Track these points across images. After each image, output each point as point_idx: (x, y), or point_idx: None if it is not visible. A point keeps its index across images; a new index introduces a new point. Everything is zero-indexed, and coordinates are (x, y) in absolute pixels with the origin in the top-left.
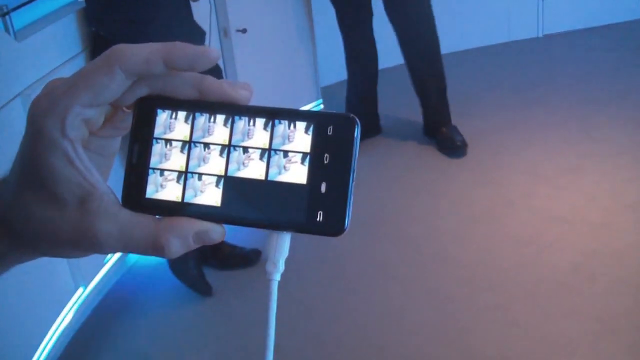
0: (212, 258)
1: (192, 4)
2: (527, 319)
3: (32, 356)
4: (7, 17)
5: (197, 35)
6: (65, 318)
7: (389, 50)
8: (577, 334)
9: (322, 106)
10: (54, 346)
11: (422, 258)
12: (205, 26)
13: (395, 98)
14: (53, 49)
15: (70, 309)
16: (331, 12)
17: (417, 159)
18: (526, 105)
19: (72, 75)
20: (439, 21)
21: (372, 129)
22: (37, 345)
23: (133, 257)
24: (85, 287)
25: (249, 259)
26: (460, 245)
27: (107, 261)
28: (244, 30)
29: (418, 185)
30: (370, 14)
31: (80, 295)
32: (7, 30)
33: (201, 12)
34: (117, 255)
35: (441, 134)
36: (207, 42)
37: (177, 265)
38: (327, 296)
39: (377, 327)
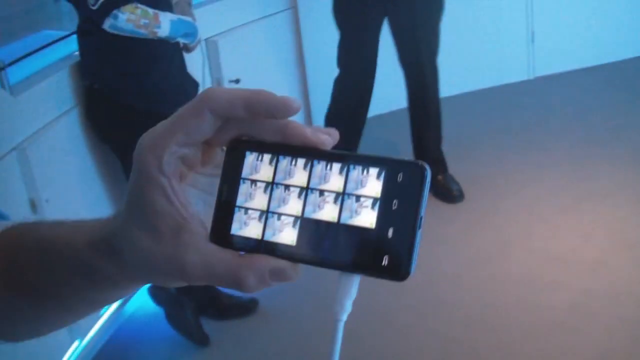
0: (209, 308)
1: (186, 55)
2: (525, 357)
3: None
4: (2, 72)
5: (190, 87)
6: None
7: (382, 96)
8: None
9: None
10: None
11: (421, 302)
12: (198, 77)
13: (389, 141)
14: (47, 103)
15: (80, 343)
16: (324, 60)
17: None
18: (521, 148)
19: (170, 117)
20: None
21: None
22: None
23: (130, 309)
24: (81, 340)
25: (247, 309)
26: (459, 288)
27: (103, 313)
28: (237, 81)
29: None
30: (375, 70)
31: (75, 348)
32: (2, 85)
33: (194, 63)
34: (114, 306)
35: (437, 183)
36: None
37: (174, 316)
38: (322, 343)
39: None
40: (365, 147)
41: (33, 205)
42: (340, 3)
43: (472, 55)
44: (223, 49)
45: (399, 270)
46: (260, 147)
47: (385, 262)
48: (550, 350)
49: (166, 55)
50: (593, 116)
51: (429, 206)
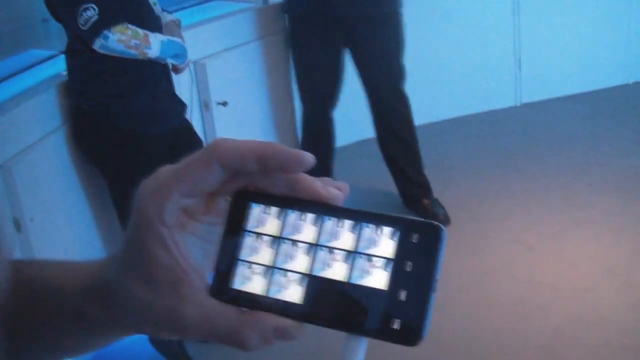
0: None
1: (174, 77)
2: None
3: None
4: None
5: (178, 108)
6: None
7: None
8: None
9: None
10: None
11: None
12: (186, 99)
13: (370, 170)
14: (34, 122)
15: None
16: None
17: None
18: (507, 174)
19: (177, 164)
20: (415, 92)
21: None
22: None
23: None
24: None
25: None
26: (444, 315)
27: None
28: (225, 103)
29: None
30: (334, 101)
31: None
32: None
33: (182, 85)
34: None
35: (423, 207)
36: (188, 114)
37: (158, 339)
38: None
39: None
40: (343, 174)
41: (17, 225)
42: (297, 32)
43: (459, 81)
44: (211, 71)
45: (410, 335)
46: (267, 199)
47: (396, 325)
48: None
49: (155, 77)
50: (578, 144)
51: None
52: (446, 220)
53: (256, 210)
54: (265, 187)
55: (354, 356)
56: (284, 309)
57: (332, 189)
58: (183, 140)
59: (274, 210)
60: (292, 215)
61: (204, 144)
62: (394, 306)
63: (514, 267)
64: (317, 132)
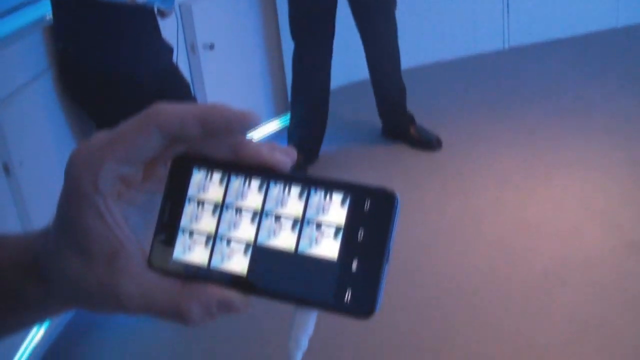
0: None
1: (160, 21)
2: (499, 323)
3: None
4: None
5: (165, 52)
6: (34, 338)
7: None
8: (549, 338)
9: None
10: None
11: (393, 269)
12: (172, 42)
13: (355, 111)
14: (20, 66)
15: (39, 329)
16: None
17: (383, 170)
18: (494, 117)
19: (112, 130)
20: (404, 35)
21: (311, 158)
22: None
23: None
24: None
25: None
26: (431, 254)
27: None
28: (212, 46)
29: None
30: (330, 54)
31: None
32: None
33: (168, 28)
34: None
35: (411, 136)
36: (174, 58)
37: None
38: None
39: (353, 330)
40: (331, 118)
41: (6, 169)
42: None
43: (447, 25)
44: (197, 13)
45: (362, 307)
46: (210, 165)
47: (347, 297)
48: (524, 316)
49: (141, 21)
50: (566, 87)
51: (401, 170)
52: (438, 144)
53: (197, 176)
54: (207, 151)
55: (302, 330)
56: (228, 280)
57: (279, 154)
58: (170, 83)
59: (216, 176)
60: (236, 182)
61: (191, 88)
62: (344, 277)
63: (500, 208)
64: (311, 75)
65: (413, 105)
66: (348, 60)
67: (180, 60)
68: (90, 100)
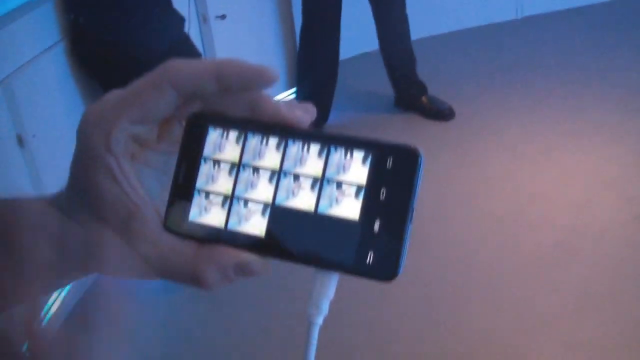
0: None
1: None
2: (510, 295)
3: None
4: None
5: (176, 22)
6: (52, 305)
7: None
8: (560, 309)
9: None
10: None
11: None
12: (184, 12)
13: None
14: (31, 37)
15: (57, 295)
16: None
17: (395, 139)
18: (506, 87)
19: (124, 88)
20: (416, 5)
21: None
22: None
23: None
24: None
25: None
26: (442, 225)
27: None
28: (223, 17)
29: None
30: (338, 29)
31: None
32: None
33: None
34: None
35: (423, 105)
36: (186, 28)
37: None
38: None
39: (363, 301)
40: (344, 88)
41: (20, 141)
42: None
43: None
44: None
45: (385, 270)
46: (226, 123)
47: (369, 259)
48: (535, 286)
49: None
50: (579, 57)
51: (413, 139)
52: (451, 114)
53: (213, 135)
54: (223, 109)
55: (323, 294)
56: (245, 242)
57: (297, 111)
58: (181, 54)
59: (233, 134)
60: (253, 140)
61: (203, 58)
62: (366, 238)
63: (511, 178)
64: (320, 47)
65: (425, 75)
66: (362, 31)
67: (192, 30)
68: (101, 70)
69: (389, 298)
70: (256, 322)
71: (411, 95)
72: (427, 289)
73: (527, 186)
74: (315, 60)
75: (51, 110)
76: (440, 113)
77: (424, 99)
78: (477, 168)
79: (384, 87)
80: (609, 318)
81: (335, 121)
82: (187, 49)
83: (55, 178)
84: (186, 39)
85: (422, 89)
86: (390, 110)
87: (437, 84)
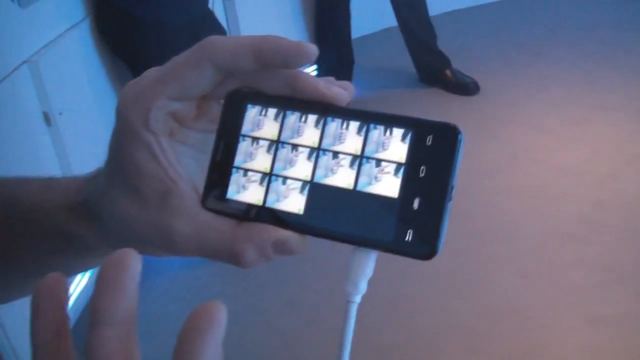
0: None
1: None
2: (535, 269)
3: None
4: None
5: None
6: (78, 285)
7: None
8: (585, 283)
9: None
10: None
11: None
12: None
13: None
14: (57, 15)
15: (84, 274)
16: None
17: (419, 114)
18: (529, 60)
19: (163, 65)
20: None
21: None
22: None
23: None
24: None
25: None
26: (467, 199)
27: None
28: None
29: None
30: (348, 7)
31: None
32: None
33: None
34: None
35: (447, 78)
36: (210, 3)
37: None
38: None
39: (385, 280)
40: (368, 64)
41: (47, 119)
42: None
43: None
44: None
45: (424, 248)
46: (264, 100)
47: (408, 237)
48: (560, 260)
49: None
50: (602, 30)
51: (434, 116)
52: (476, 88)
53: (252, 112)
54: (261, 87)
55: (361, 272)
56: (284, 220)
57: (336, 88)
58: (205, 29)
59: (271, 112)
60: (292, 117)
61: (227, 34)
62: (406, 216)
63: (536, 152)
64: (334, 20)
65: (447, 51)
66: (383, 6)
67: (216, 6)
68: (125, 46)
69: (411, 272)
70: (282, 298)
71: (433, 68)
72: (451, 262)
73: (552, 160)
74: (327, 37)
75: (77, 88)
76: (465, 87)
77: (447, 72)
78: (502, 143)
79: (406, 63)
80: (634, 292)
81: (359, 98)
82: (211, 25)
83: (82, 155)
84: (210, 14)
85: (445, 61)
86: (414, 85)
87: (459, 59)
